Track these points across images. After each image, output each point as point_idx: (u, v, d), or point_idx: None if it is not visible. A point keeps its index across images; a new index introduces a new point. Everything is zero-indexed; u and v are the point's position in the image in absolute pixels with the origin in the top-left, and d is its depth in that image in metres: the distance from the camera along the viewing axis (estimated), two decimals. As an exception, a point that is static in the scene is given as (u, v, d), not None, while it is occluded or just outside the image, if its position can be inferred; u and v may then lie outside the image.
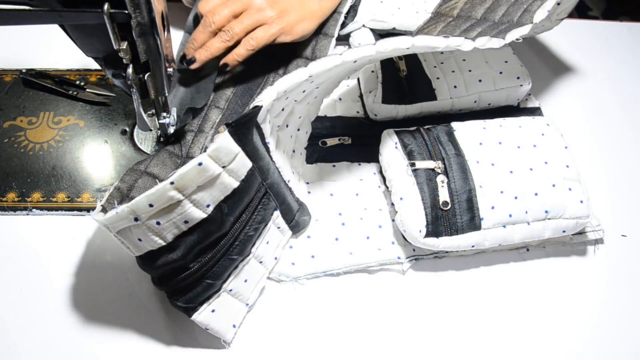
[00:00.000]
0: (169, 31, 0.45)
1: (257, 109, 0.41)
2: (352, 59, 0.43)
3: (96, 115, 0.59)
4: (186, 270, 0.41)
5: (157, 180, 0.47)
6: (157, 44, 0.41)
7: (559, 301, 0.50)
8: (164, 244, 0.38)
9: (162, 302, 0.47)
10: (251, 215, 0.44)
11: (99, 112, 0.60)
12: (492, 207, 0.48)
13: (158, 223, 0.37)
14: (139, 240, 0.38)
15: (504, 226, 0.48)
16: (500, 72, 0.60)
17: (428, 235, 0.47)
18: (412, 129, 0.54)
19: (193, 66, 0.53)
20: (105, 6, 0.35)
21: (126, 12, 0.36)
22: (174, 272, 0.41)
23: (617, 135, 0.65)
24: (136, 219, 0.36)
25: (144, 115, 0.47)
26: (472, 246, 0.48)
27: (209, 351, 0.45)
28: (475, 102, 0.60)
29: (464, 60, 0.61)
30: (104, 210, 0.39)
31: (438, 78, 0.59)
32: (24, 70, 0.61)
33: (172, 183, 0.35)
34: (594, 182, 0.59)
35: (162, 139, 0.51)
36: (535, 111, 0.64)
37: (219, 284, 0.43)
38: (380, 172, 0.55)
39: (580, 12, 1.87)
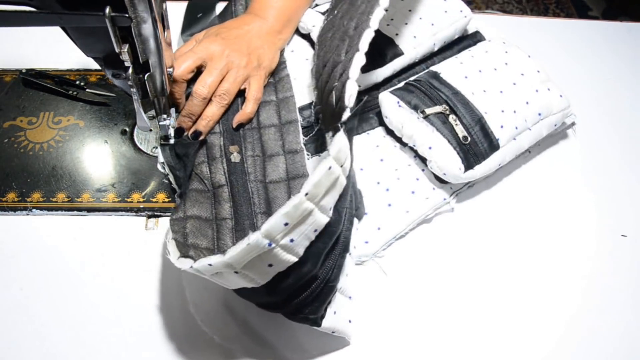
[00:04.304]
0: (168, 29, 0.45)
1: (362, 101, 0.41)
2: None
3: (96, 115, 0.59)
4: (316, 279, 0.39)
5: (200, 220, 0.47)
6: (158, 44, 0.41)
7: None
8: (296, 259, 0.36)
9: (160, 300, 0.48)
10: (348, 208, 0.43)
11: (99, 112, 0.60)
12: (502, 127, 0.53)
13: (292, 240, 0.34)
14: (269, 265, 0.35)
15: (514, 138, 0.54)
16: (446, 11, 0.63)
17: (466, 169, 0.52)
18: (400, 85, 0.57)
19: (200, 138, 0.52)
20: (107, 9, 0.35)
21: (127, 15, 0.36)
22: (305, 285, 0.39)
23: (617, 135, 0.65)
24: (270, 244, 0.33)
25: (144, 116, 0.47)
26: (499, 164, 0.54)
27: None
28: (434, 44, 0.63)
29: (409, 10, 0.63)
30: (186, 257, 0.39)
31: (397, 34, 0.61)
32: (24, 70, 0.61)
33: (306, 194, 0.33)
34: (594, 182, 0.59)
35: (162, 140, 0.51)
36: (477, 35, 0.67)
37: (337, 285, 0.42)
38: (389, 133, 0.58)
39: (580, 12, 1.87)
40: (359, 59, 0.43)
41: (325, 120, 0.52)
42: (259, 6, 0.61)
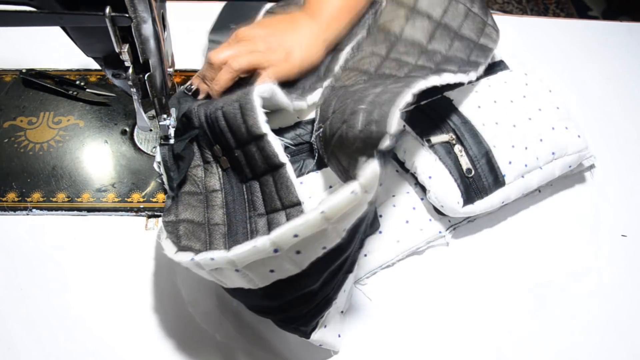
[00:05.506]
0: (165, 30, 0.45)
1: (404, 132, 0.40)
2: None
3: (96, 115, 0.59)
4: (316, 295, 0.39)
5: (193, 223, 0.47)
6: (158, 44, 0.41)
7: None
8: (299, 271, 0.36)
9: (161, 300, 0.48)
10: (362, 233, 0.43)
11: (99, 112, 0.60)
12: (510, 162, 0.51)
13: (298, 252, 0.34)
14: (271, 271, 0.35)
15: (523, 176, 0.52)
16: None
17: (465, 204, 0.50)
18: (411, 108, 0.54)
19: (199, 97, 0.54)
20: (107, 9, 0.35)
21: (127, 15, 0.36)
22: (302, 298, 0.39)
23: (618, 135, 0.65)
24: (276, 251, 0.33)
25: (144, 116, 0.47)
26: (502, 202, 0.51)
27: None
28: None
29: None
30: (181, 248, 0.38)
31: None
32: (24, 70, 0.61)
33: (322, 212, 0.33)
34: (593, 181, 0.59)
35: (162, 140, 0.51)
36: (500, 64, 0.63)
37: (334, 301, 0.42)
38: (393, 157, 0.56)
39: (580, 12, 1.87)
40: (408, 94, 0.42)
41: (326, 141, 0.50)
42: (314, 6, 0.59)
